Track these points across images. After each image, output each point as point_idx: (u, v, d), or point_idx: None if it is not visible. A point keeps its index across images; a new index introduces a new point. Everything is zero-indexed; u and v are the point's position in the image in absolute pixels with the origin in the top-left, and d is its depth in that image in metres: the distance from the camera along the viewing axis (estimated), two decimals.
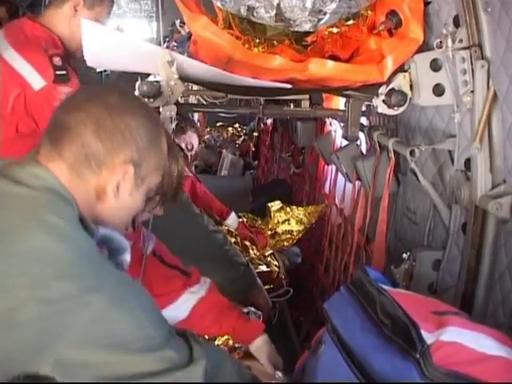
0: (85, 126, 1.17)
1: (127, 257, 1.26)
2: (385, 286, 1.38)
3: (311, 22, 1.60)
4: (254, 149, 6.02)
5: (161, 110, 1.71)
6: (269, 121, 5.08)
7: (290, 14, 1.68)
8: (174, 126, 1.73)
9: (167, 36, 3.33)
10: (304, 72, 1.66)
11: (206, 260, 2.09)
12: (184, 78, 1.82)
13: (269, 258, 2.53)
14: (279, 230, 3.06)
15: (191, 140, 3.26)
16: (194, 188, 3.01)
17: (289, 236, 3.04)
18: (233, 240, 2.60)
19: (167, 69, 1.68)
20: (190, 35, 2.25)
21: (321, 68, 1.66)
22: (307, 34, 1.67)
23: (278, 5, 1.68)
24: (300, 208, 3.15)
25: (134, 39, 1.88)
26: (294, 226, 3.07)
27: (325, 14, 1.61)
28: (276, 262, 2.51)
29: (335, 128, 2.83)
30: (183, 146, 3.23)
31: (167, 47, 2.70)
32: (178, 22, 3.86)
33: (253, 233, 2.80)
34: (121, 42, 1.78)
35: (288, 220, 3.12)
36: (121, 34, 2.15)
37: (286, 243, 3.00)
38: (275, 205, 3.21)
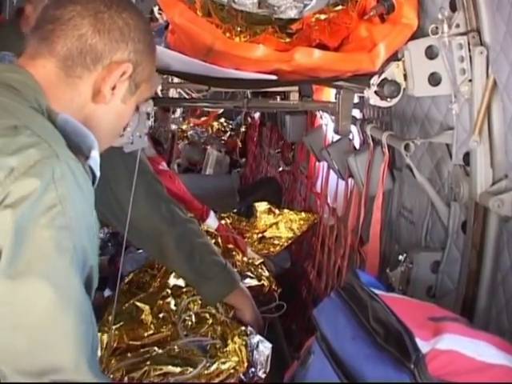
0: (82, 18, 1.17)
1: (96, 155, 1.19)
2: (378, 291, 1.38)
3: (296, 9, 1.59)
4: (241, 145, 6.02)
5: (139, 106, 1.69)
6: (256, 115, 5.08)
7: (274, 0, 1.68)
8: (151, 123, 1.72)
9: None
10: (289, 62, 1.66)
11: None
12: (162, 71, 1.82)
13: (259, 270, 2.48)
14: (267, 234, 3.05)
15: None
16: (173, 184, 3.00)
17: (276, 242, 3.02)
18: (213, 241, 2.54)
19: None
20: (167, 24, 2.24)
21: (307, 57, 1.66)
22: (292, 21, 1.66)
23: None
24: (291, 212, 3.14)
25: None
26: (283, 232, 3.06)
27: None
28: (267, 273, 2.47)
29: (326, 122, 2.84)
30: None
31: None
32: (156, 10, 3.85)
33: (233, 237, 2.77)
34: None
35: (276, 224, 3.11)
36: None
37: (272, 249, 2.97)
38: (262, 205, 3.20)
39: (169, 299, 2.10)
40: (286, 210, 3.15)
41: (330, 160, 2.47)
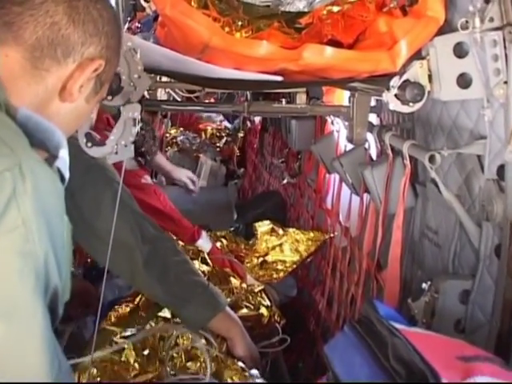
0: (56, 4, 1.18)
1: (65, 154, 1.17)
2: (398, 325, 1.38)
3: (305, 0, 1.61)
4: (238, 153, 6.03)
5: (121, 109, 1.71)
6: (257, 118, 5.10)
7: None
8: (138, 129, 1.74)
9: (129, 15, 3.34)
10: (297, 61, 1.67)
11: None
12: (150, 70, 1.83)
13: (259, 298, 2.48)
14: (269, 258, 3.05)
15: None
16: (157, 200, 3.01)
17: (280, 267, 3.03)
18: (206, 269, 2.55)
19: (129, 58, 1.69)
20: (156, 15, 2.26)
21: (318, 56, 1.66)
22: (301, 14, 1.68)
23: None
24: (297, 231, 3.15)
25: None
26: (288, 255, 3.06)
27: None
28: (268, 302, 2.47)
29: (338, 128, 2.85)
30: None
31: (128, 29, 2.71)
32: None
33: (229, 261, 2.79)
34: None
35: (280, 246, 3.11)
36: None
37: (275, 275, 2.98)
38: (264, 225, 3.21)
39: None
40: (291, 230, 3.16)
41: (343, 172, 2.48)
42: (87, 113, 1.36)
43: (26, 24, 1.16)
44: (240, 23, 1.65)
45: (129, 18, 2.94)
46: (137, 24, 2.63)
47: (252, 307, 2.40)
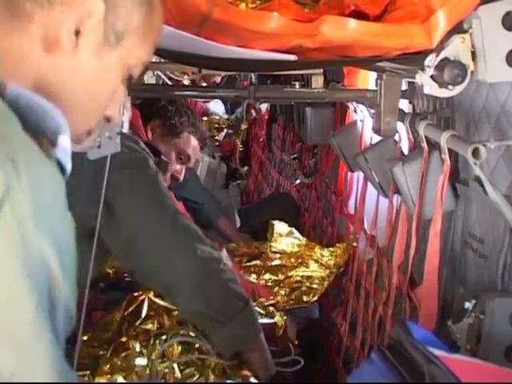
0: None
1: (66, 141, 1.11)
2: (437, 351, 1.39)
3: None
4: (241, 148, 6.05)
5: None
6: (263, 106, 5.11)
7: None
8: (128, 116, 1.76)
9: None
10: (314, 37, 1.67)
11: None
12: None
13: (271, 308, 2.56)
14: (293, 278, 3.10)
15: (187, 146, 3.32)
16: None
17: (308, 284, 3.07)
18: None
19: None
20: None
21: (339, 30, 1.67)
22: None
23: None
24: (319, 247, 3.20)
25: None
26: (315, 271, 3.11)
27: None
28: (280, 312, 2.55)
29: (362, 116, 2.86)
30: (173, 157, 3.27)
31: None
32: None
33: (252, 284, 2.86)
34: None
35: (302, 258, 3.16)
36: None
37: (305, 298, 3.04)
38: (281, 225, 3.28)
39: (135, 355, 2.21)
40: (317, 247, 3.21)
41: (368, 170, 2.49)
42: (108, 72, 1.23)
43: None
44: None
45: None
46: None
47: (264, 315, 2.48)
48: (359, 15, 1.78)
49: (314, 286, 3.09)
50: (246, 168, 5.96)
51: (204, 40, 1.71)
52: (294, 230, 3.36)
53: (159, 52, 2.12)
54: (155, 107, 3.24)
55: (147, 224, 2.21)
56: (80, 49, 1.14)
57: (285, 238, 3.30)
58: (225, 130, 6.44)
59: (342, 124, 3.18)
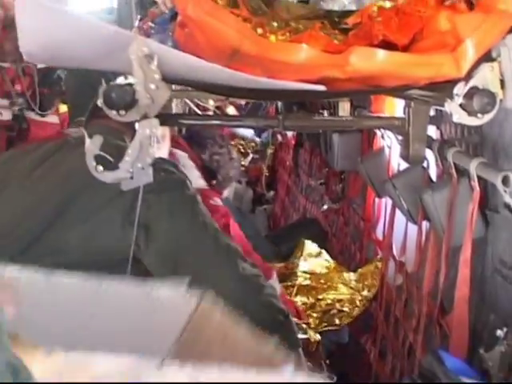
0: None
1: None
2: (468, 380, 1.39)
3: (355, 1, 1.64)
4: (267, 173, 6.06)
5: (136, 126, 1.75)
6: (290, 131, 5.13)
7: None
8: (166, 145, 1.78)
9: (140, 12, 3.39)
10: (343, 67, 1.69)
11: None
12: (168, 79, 1.87)
13: (304, 325, 2.59)
14: (326, 299, 3.11)
15: None
16: (227, 227, 3.06)
17: (338, 309, 3.08)
18: None
19: (144, 66, 1.72)
20: (174, 14, 2.30)
21: (368, 61, 1.68)
22: (347, 13, 1.71)
23: None
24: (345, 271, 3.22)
25: (92, 19, 1.91)
26: (346, 294, 3.12)
27: None
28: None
29: (390, 142, 2.87)
30: None
31: (139, 30, 2.75)
32: None
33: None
34: (72, 24, 1.82)
35: (331, 282, 3.17)
36: (72, 12, 2.20)
37: (337, 321, 3.05)
38: (311, 245, 3.31)
39: None
40: (344, 273, 3.23)
41: (397, 196, 2.50)
42: None
43: None
44: (275, 24, 1.68)
45: (139, 17, 2.98)
46: (150, 24, 2.66)
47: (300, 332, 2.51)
48: (387, 45, 1.80)
49: (345, 309, 3.10)
50: (272, 193, 5.97)
51: (234, 72, 1.73)
52: (323, 251, 3.38)
53: (188, 82, 2.16)
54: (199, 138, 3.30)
55: (188, 244, 2.22)
56: None
57: (314, 258, 3.32)
58: (251, 155, 6.45)
59: (369, 149, 3.19)
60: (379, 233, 3.15)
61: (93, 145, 1.73)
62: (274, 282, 3.02)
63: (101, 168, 1.74)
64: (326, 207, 4.05)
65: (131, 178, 1.72)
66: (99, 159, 1.74)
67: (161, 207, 2.16)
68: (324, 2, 1.71)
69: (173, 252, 2.20)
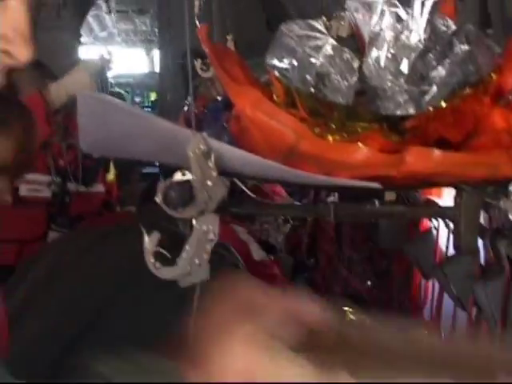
0: None
1: None
2: None
3: (412, 100, 1.66)
4: (308, 240, 6.05)
5: (194, 222, 1.76)
6: (330, 198, 5.13)
7: (378, 81, 1.76)
8: (213, 238, 1.79)
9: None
10: (399, 167, 1.71)
11: None
12: (224, 173, 1.89)
13: None
14: None
15: None
16: (272, 283, 3.05)
17: None
18: None
19: (202, 163, 1.74)
20: (227, 102, 2.34)
21: (424, 161, 1.70)
22: (406, 116, 1.73)
23: (360, 68, 1.77)
24: None
25: (151, 115, 1.96)
26: None
27: (430, 84, 1.68)
28: None
29: (437, 224, 2.85)
30: None
31: (189, 113, 2.80)
32: (198, 64, 3.99)
33: None
34: (132, 120, 1.87)
35: None
36: (131, 108, 2.25)
37: None
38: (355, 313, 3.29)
39: None
40: None
41: (446, 283, 2.48)
42: None
43: None
44: (333, 126, 1.71)
45: (187, 102, 3.01)
46: (202, 109, 2.71)
47: None
48: (442, 140, 1.82)
49: None
50: (312, 260, 5.95)
51: (290, 169, 1.75)
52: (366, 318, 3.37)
53: (243, 175, 2.18)
54: None
55: None
56: None
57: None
58: (291, 221, 6.45)
59: (415, 229, 3.18)
60: (427, 314, 3.12)
61: (151, 242, 1.74)
62: None
63: (159, 265, 1.75)
64: (370, 284, 4.03)
65: (189, 274, 1.74)
66: (157, 256, 1.76)
67: (213, 291, 2.16)
68: (380, 101, 1.72)
69: None
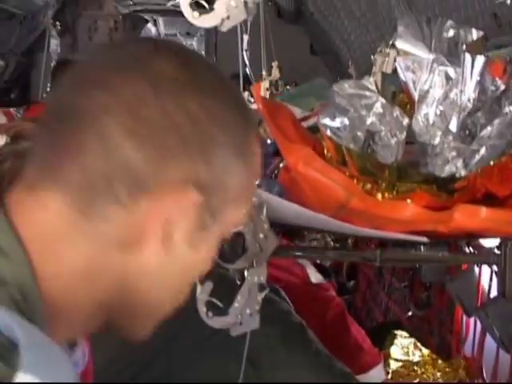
0: (116, 120, 0.90)
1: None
2: None
3: (460, 157, 1.68)
4: (348, 262, 6.05)
5: (245, 274, 1.80)
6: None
7: (427, 137, 1.79)
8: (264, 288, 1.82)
9: None
10: (447, 223, 1.73)
11: None
12: (274, 223, 1.93)
13: None
14: None
15: None
16: (343, 313, 3.10)
17: None
18: None
19: (255, 216, 1.78)
20: (276, 148, 2.37)
21: (471, 218, 1.72)
22: (456, 178, 1.75)
23: (409, 126, 1.79)
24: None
25: None
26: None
27: (479, 144, 1.70)
28: None
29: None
30: None
31: None
32: (246, 95, 4.02)
33: None
34: None
35: (423, 368, 3.21)
36: None
37: None
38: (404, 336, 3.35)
39: None
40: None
41: (488, 324, 2.48)
42: (202, 259, 1.01)
43: (71, 156, 0.90)
44: (383, 185, 1.73)
45: None
46: None
47: None
48: (488, 195, 1.84)
49: None
50: (352, 282, 5.95)
51: (341, 223, 1.79)
52: (414, 340, 3.40)
53: (293, 225, 2.21)
54: None
55: (303, 375, 2.23)
56: (174, 243, 0.93)
57: (406, 348, 3.34)
58: (331, 244, 6.44)
59: (457, 267, 3.18)
60: (468, 349, 3.12)
61: (204, 292, 1.77)
62: (379, 371, 3.01)
63: (211, 314, 1.78)
64: (410, 314, 4.02)
65: (240, 323, 1.76)
66: (209, 305, 1.79)
67: (269, 339, 2.18)
68: (429, 157, 1.75)
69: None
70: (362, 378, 2.78)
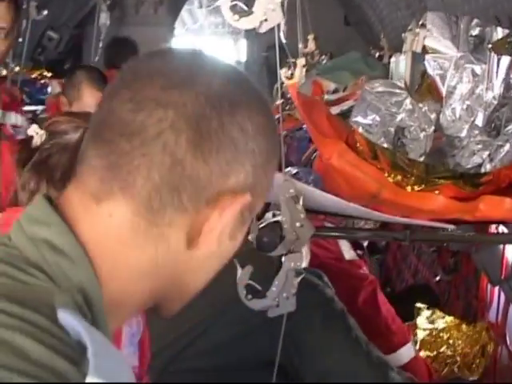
0: (177, 134, 0.95)
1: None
2: None
3: (486, 150, 1.76)
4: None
5: (283, 260, 1.88)
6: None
7: (454, 130, 1.86)
8: (301, 273, 1.88)
9: None
10: (473, 213, 1.81)
11: None
12: (310, 209, 2.00)
13: None
14: (445, 352, 3.23)
15: None
16: (377, 304, 3.12)
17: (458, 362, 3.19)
18: None
19: (291, 206, 1.85)
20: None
21: (495, 208, 1.80)
22: (482, 174, 1.82)
23: (437, 120, 1.87)
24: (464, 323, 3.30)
25: None
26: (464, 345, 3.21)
27: (504, 140, 1.77)
28: None
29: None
30: None
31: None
32: (283, 73, 4.00)
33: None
34: None
35: (448, 333, 3.28)
36: None
37: (467, 372, 3.16)
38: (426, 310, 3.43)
39: None
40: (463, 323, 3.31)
41: None
42: (234, 248, 1.08)
43: (137, 168, 0.94)
44: (412, 179, 1.81)
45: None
46: (284, 132, 2.77)
47: None
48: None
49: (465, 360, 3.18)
50: (383, 243, 5.99)
51: (373, 212, 1.86)
52: (437, 310, 3.44)
53: (326, 212, 2.28)
54: None
55: (342, 360, 2.24)
56: (221, 240, 1.01)
57: (430, 317, 3.40)
58: None
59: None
60: (492, 315, 3.18)
61: (244, 275, 1.85)
62: (410, 349, 3.07)
63: (250, 296, 1.86)
64: (438, 278, 4.06)
65: (277, 306, 1.84)
66: (249, 288, 1.87)
67: (311, 324, 2.23)
68: (456, 150, 1.83)
69: (325, 367, 2.23)
70: (391, 357, 2.82)
